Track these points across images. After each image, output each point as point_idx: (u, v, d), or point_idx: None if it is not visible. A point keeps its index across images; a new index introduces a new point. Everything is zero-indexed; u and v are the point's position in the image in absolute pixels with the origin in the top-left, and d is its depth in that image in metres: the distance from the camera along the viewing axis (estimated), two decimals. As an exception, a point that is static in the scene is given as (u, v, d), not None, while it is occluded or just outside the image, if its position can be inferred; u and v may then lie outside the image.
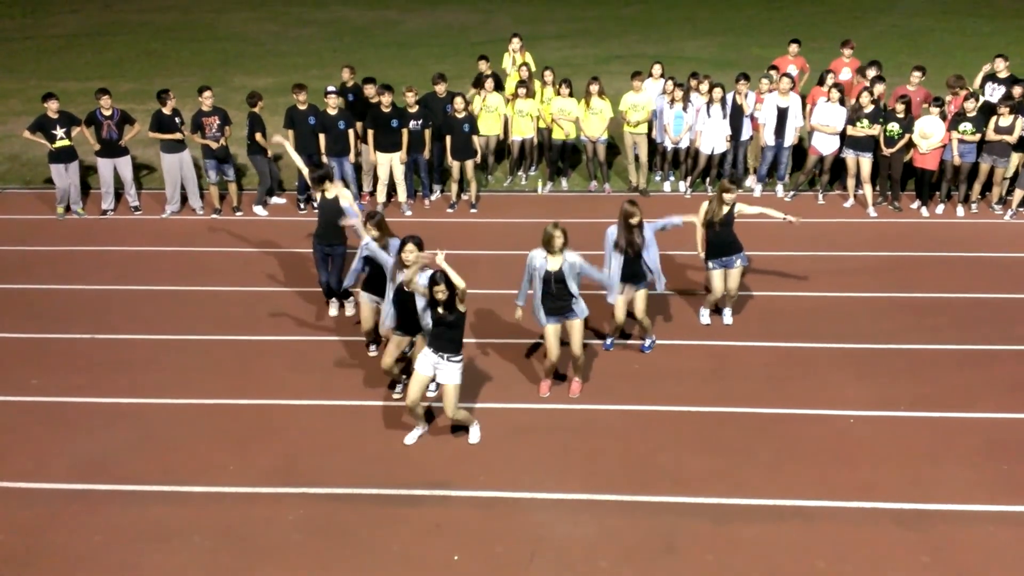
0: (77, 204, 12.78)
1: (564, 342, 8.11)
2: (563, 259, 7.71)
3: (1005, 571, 6.21)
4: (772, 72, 12.70)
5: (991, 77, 12.84)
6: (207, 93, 12.21)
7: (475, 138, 12.35)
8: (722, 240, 9.00)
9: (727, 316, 9.53)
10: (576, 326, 7.97)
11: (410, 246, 7.39)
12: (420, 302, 7.49)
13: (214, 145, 12.22)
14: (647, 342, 9.06)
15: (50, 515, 6.88)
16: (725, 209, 8.90)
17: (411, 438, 7.70)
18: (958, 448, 7.52)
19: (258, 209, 12.84)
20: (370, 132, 12.20)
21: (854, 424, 7.86)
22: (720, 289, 9.18)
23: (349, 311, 9.81)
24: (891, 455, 7.43)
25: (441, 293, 7.01)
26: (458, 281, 7.02)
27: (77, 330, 9.63)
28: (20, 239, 12.05)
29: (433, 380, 7.49)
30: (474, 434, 7.70)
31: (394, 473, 7.29)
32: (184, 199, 12.86)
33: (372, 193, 13.03)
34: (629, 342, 9.21)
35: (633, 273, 8.45)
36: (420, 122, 12.26)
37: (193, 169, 12.57)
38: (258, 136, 12.29)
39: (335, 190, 9.20)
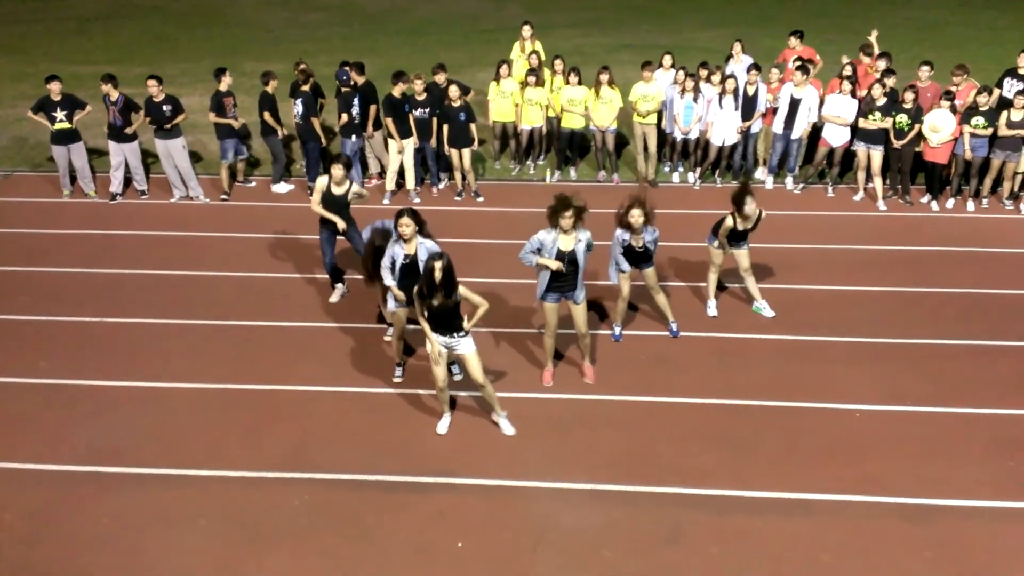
0: (89, 186, 12.83)
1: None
2: (576, 238, 7.68)
3: (1009, 567, 6.21)
4: (753, 71, 12.48)
5: (1011, 72, 12.66)
6: (227, 73, 12.52)
7: (472, 127, 12.33)
8: (740, 235, 9.02)
9: (764, 307, 9.48)
10: (579, 310, 7.98)
11: (405, 219, 7.47)
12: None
13: (236, 124, 12.44)
14: (674, 325, 9.08)
15: (58, 497, 6.93)
16: (751, 222, 8.89)
17: (443, 427, 7.69)
18: (964, 443, 7.51)
19: (278, 187, 12.94)
20: (389, 120, 12.21)
21: (860, 418, 7.85)
22: (718, 263, 9.29)
23: (335, 298, 9.88)
24: (897, 449, 7.42)
25: (439, 271, 6.87)
26: (480, 303, 7.11)
27: (86, 313, 9.67)
28: (29, 222, 12.09)
29: (451, 361, 7.44)
30: (506, 426, 7.65)
31: (400, 460, 7.32)
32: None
33: (381, 174, 13.08)
34: (660, 333, 9.18)
35: (640, 256, 8.50)
36: (427, 110, 12.25)
37: (186, 157, 12.58)
38: (267, 115, 12.35)
39: (346, 186, 9.20)
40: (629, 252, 8.41)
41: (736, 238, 9.04)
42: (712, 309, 9.53)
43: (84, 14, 25.97)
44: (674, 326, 9.11)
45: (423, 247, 7.58)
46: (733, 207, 8.77)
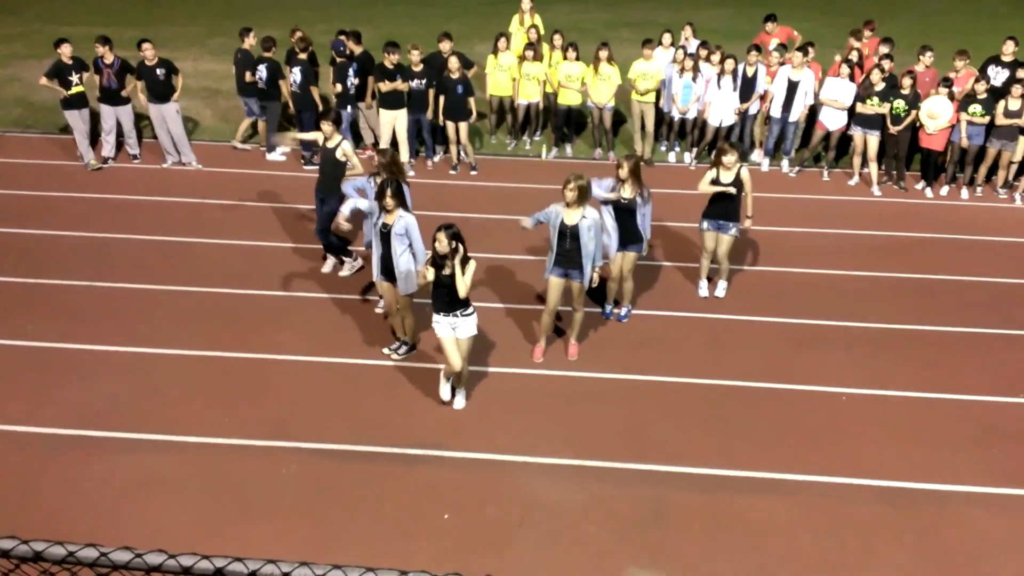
0: (88, 152, 12.56)
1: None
2: (581, 215, 7.69)
3: (988, 554, 6.28)
4: (753, 52, 12.43)
5: (994, 59, 12.67)
6: (252, 34, 12.65)
7: (471, 100, 12.24)
8: (723, 205, 8.99)
9: (720, 288, 9.51)
10: (577, 287, 8.00)
11: (389, 194, 7.48)
12: (398, 247, 7.54)
13: (261, 82, 12.65)
14: (623, 311, 9.06)
15: (43, 460, 6.92)
16: (730, 176, 8.85)
17: (446, 393, 7.67)
18: (949, 430, 7.56)
19: (274, 155, 12.90)
20: (381, 85, 12.09)
21: (847, 402, 7.90)
22: (710, 248, 9.24)
23: (344, 272, 9.77)
24: (882, 434, 7.48)
25: (440, 245, 6.90)
26: (462, 286, 7.03)
27: (74, 277, 9.62)
28: (19, 184, 11.98)
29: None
30: (459, 400, 7.70)
31: (388, 432, 7.33)
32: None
33: (375, 146, 12.97)
34: (651, 312, 9.18)
35: (626, 231, 8.46)
36: (423, 81, 12.15)
37: (180, 122, 12.46)
38: (282, 84, 12.42)
39: (336, 140, 9.13)
40: (618, 210, 8.37)
41: (723, 213, 8.99)
42: (703, 290, 9.54)
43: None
44: (624, 311, 9.09)
45: (401, 221, 7.60)
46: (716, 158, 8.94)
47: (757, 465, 7.06)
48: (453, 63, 12.03)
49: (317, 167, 9.43)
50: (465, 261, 7.01)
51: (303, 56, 12.34)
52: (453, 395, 7.71)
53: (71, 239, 10.50)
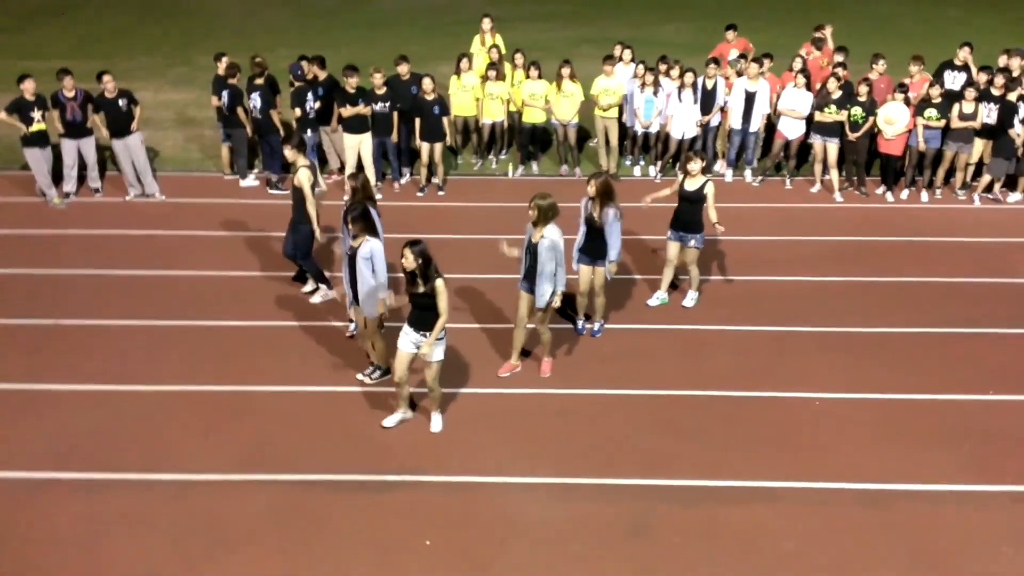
0: (51, 189, 12.24)
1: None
2: (543, 234, 7.72)
3: (967, 550, 6.37)
4: (712, 65, 12.59)
5: (948, 64, 12.99)
6: (225, 59, 12.56)
7: (445, 120, 12.27)
8: (685, 215, 9.15)
9: (690, 298, 9.60)
10: (533, 302, 8.05)
11: (354, 219, 7.52)
12: (364, 271, 7.56)
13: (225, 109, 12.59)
14: (596, 326, 9.11)
15: (15, 502, 6.78)
16: (695, 184, 8.97)
17: (391, 421, 7.65)
18: (922, 430, 7.67)
19: (247, 182, 12.80)
20: (343, 110, 12.07)
21: (821, 407, 7.98)
22: (672, 258, 9.38)
23: (316, 299, 9.68)
24: (857, 437, 7.56)
25: (407, 262, 6.91)
26: (443, 309, 7.02)
27: (38, 315, 9.45)
28: (-20, 222, 11.78)
29: (415, 356, 7.34)
30: (436, 422, 7.67)
31: (366, 459, 7.28)
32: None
33: (341, 170, 12.90)
34: (624, 326, 9.24)
35: (596, 247, 8.52)
36: (387, 104, 12.15)
37: (144, 154, 12.31)
38: (239, 110, 12.27)
39: (299, 165, 9.10)
40: (589, 227, 8.45)
41: (684, 225, 9.13)
42: (654, 300, 9.62)
43: (36, 7, 25.30)
44: (596, 326, 9.14)
45: (366, 245, 7.61)
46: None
47: (737, 474, 7.10)
48: (427, 84, 12.04)
49: (284, 192, 9.38)
50: (434, 277, 6.97)
51: (260, 81, 12.30)
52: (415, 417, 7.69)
53: (34, 277, 10.30)
